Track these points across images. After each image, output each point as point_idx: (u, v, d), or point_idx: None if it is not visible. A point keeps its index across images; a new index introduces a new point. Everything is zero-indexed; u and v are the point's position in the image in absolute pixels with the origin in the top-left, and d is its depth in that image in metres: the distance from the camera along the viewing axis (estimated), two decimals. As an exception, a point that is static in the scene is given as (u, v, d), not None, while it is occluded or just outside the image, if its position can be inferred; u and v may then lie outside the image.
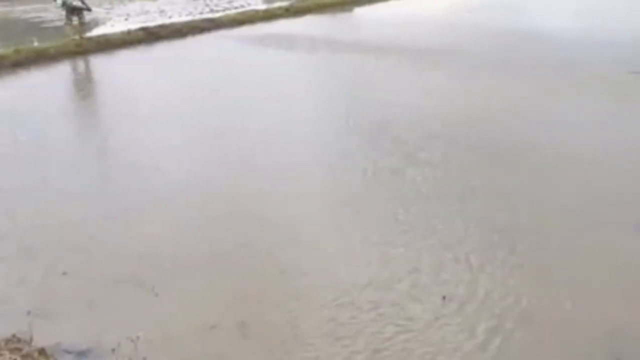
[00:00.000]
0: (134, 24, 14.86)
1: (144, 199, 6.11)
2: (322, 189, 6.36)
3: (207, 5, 19.52)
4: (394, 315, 4.22)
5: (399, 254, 5.00)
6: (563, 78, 10.50)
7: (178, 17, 17.01)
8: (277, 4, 19.67)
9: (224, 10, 18.33)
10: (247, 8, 18.85)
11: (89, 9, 13.74)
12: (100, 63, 12.69)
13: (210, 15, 17.34)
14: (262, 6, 19.52)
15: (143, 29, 14.80)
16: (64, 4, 13.35)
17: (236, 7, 18.97)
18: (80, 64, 12.55)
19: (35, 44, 12.77)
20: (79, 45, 13.19)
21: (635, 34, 14.02)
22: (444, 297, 4.37)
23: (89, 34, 14.21)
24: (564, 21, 16.23)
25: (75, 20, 13.49)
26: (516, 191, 6.16)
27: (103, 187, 6.57)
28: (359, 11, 20.00)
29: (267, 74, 11.28)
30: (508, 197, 6.02)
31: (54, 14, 15.21)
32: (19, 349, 3.80)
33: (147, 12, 15.10)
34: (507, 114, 8.62)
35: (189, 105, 9.26)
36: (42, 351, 3.84)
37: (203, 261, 4.97)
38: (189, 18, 16.82)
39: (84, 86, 11.47)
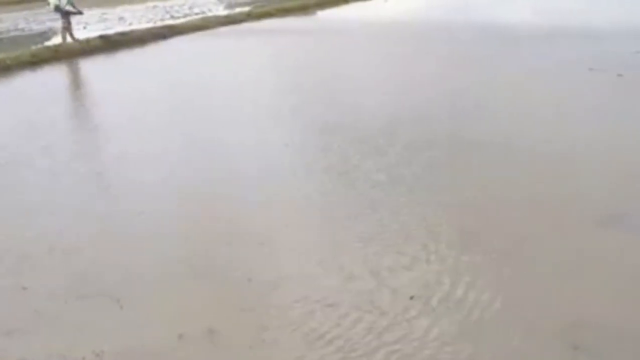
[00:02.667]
0: (92, 32, 14.61)
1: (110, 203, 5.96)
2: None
3: (167, 12, 19.33)
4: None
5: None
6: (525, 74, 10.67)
7: (138, 24, 16.78)
8: (238, 10, 19.60)
9: (184, 17, 18.17)
10: (208, 14, 18.73)
11: (80, 13, 14.09)
12: (57, 73, 12.41)
13: (171, 22, 17.17)
14: (223, 12, 19.42)
15: (102, 37, 14.57)
16: (57, 9, 13.58)
17: (197, 14, 18.83)
18: (38, 74, 12.24)
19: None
20: (35, 56, 12.90)
21: (595, 32, 14.31)
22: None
23: (47, 44, 13.97)
24: (524, 19, 16.51)
25: (62, 24, 13.87)
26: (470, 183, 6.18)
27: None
28: (322, 14, 20.05)
29: (230, 76, 11.18)
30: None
31: (10, 23, 14.87)
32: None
33: (105, 20, 14.87)
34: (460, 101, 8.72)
35: (155, 115, 9.08)
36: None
37: (169, 268, 4.85)
38: (150, 25, 16.61)
39: (41, 98, 11.19)
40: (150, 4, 20.80)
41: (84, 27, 15.84)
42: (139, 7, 19.95)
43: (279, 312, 4.23)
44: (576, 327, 3.96)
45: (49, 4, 13.90)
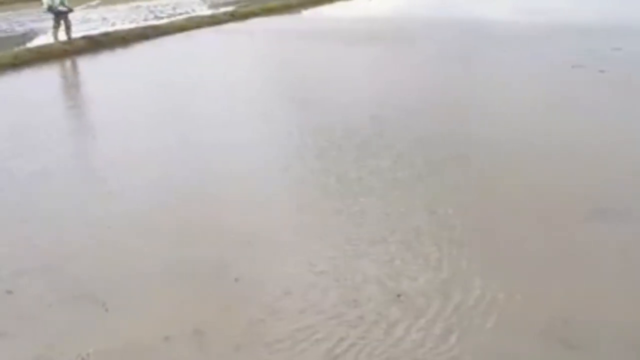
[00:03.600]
0: (75, 33, 14.48)
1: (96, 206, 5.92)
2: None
3: (151, 11, 19.21)
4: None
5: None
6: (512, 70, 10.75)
7: (121, 24, 16.67)
8: (222, 10, 19.52)
9: (168, 17, 18.07)
10: (192, 14, 18.64)
11: (70, 10, 14.07)
12: (40, 75, 12.30)
13: (154, 22, 17.06)
14: (207, 12, 19.35)
15: (85, 37, 14.45)
16: (50, 9, 13.60)
17: (181, 14, 18.73)
18: (21, 76, 12.12)
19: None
20: (17, 58, 12.76)
21: (576, 29, 14.42)
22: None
23: (29, 45, 13.84)
24: (505, 17, 16.61)
25: (62, 24, 13.80)
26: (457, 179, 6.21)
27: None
28: (306, 13, 20.03)
29: (217, 76, 11.15)
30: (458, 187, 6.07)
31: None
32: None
33: (88, 21, 14.75)
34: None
35: (142, 116, 9.02)
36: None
37: (154, 270, 4.83)
38: (133, 25, 16.50)
39: (24, 101, 11.08)
40: (134, 4, 20.65)
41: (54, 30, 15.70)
42: (122, 8, 19.80)
43: (267, 312, 4.23)
44: (564, 322, 4.00)
45: (42, 4, 13.94)
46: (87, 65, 13.21)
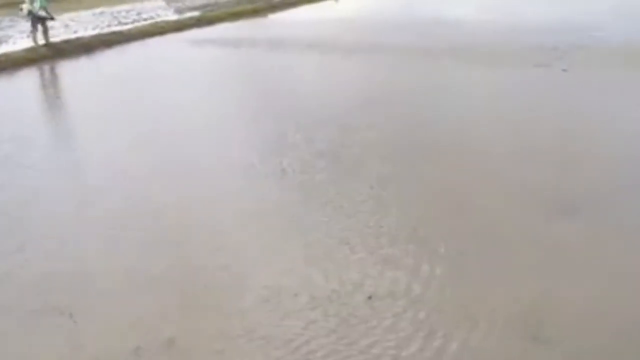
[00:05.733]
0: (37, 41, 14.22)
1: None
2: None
3: (114, 17, 18.95)
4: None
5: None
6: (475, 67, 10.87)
7: (84, 31, 16.40)
8: (188, 14, 19.37)
9: (133, 23, 17.84)
10: (158, 19, 18.45)
11: (52, 18, 14.33)
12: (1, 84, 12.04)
13: (118, 28, 16.83)
14: (172, 17, 19.16)
15: (47, 45, 14.19)
16: (30, 14, 13.75)
17: (145, 19, 18.51)
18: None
19: None
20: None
21: (539, 27, 14.65)
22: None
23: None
24: (469, 16, 16.81)
25: (40, 29, 13.98)
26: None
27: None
28: (273, 17, 20.01)
29: (182, 82, 11.04)
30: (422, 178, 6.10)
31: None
32: None
33: (50, 28, 14.48)
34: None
35: (105, 124, 8.88)
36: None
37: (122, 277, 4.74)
38: (96, 32, 16.26)
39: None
40: (97, 10, 20.35)
41: (27, 36, 15.38)
42: (85, 14, 19.49)
43: (240, 320, 4.18)
44: (533, 319, 4.03)
45: (21, 9, 14.01)
46: (50, 73, 12.97)
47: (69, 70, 13.17)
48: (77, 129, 9.12)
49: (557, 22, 14.93)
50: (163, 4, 22.01)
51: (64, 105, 10.54)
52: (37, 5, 13.69)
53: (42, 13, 13.91)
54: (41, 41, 14.08)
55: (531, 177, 6.25)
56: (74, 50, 14.32)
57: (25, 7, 13.77)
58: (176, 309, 4.33)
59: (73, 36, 15.54)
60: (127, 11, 20.37)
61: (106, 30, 16.61)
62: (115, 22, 17.99)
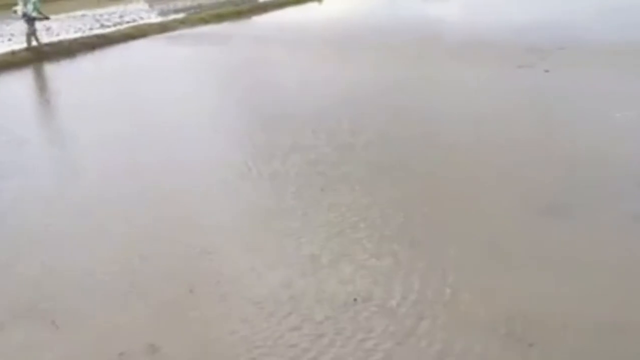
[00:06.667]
0: (19, 44, 14.08)
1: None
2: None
3: (97, 20, 18.80)
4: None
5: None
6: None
7: (66, 34, 16.25)
8: (171, 17, 19.26)
9: (115, 26, 17.70)
10: (140, 22, 18.32)
11: (47, 18, 14.40)
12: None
13: (101, 31, 16.70)
14: (156, 19, 19.05)
15: (29, 49, 14.04)
16: (24, 15, 13.79)
17: (128, 22, 18.37)
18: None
19: None
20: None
21: (522, 28, 14.75)
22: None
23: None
24: (452, 16, 16.89)
25: (33, 30, 14.04)
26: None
27: None
28: (257, 19, 19.96)
29: (166, 85, 10.98)
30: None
31: None
32: None
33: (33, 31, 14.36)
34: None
35: (92, 130, 8.79)
36: None
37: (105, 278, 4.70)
38: (78, 35, 16.12)
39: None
40: (79, 13, 20.18)
41: (9, 39, 15.22)
42: (66, 17, 19.30)
43: (222, 323, 4.16)
44: (518, 318, 4.05)
45: (15, 12, 14.02)
46: (32, 77, 12.84)
47: (51, 73, 13.05)
48: (63, 132, 9.03)
49: (539, 23, 15.05)
50: (146, 6, 21.88)
51: (48, 108, 10.42)
52: (30, 6, 13.72)
53: (35, 14, 13.91)
54: (33, 42, 14.10)
55: (511, 174, 6.30)
56: (56, 53, 14.18)
57: (19, 8, 13.81)
58: (160, 315, 4.30)
59: (55, 39, 15.39)
60: (110, 14, 20.21)
61: (88, 33, 16.47)
62: (98, 25, 17.84)
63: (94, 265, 4.96)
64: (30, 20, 13.90)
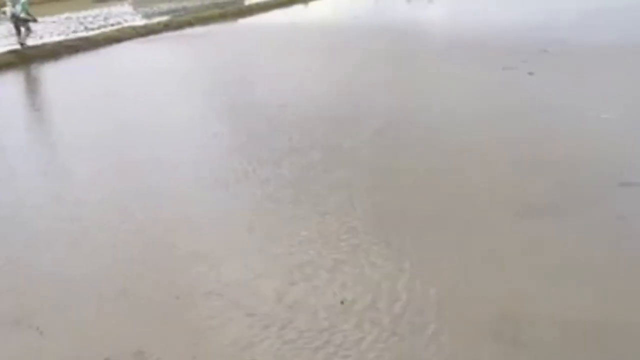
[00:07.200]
0: (3, 47, 13.98)
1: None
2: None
3: (81, 23, 18.69)
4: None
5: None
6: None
7: (50, 37, 16.14)
8: (156, 20, 19.20)
9: (99, 28, 17.61)
10: (125, 25, 18.23)
11: (35, 20, 14.63)
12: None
13: (84, 34, 16.60)
14: (140, 22, 18.97)
15: (12, 52, 13.94)
16: (13, 16, 14.01)
17: (112, 25, 18.28)
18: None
19: None
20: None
21: (506, 30, 14.86)
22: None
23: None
24: (436, 19, 16.98)
25: (22, 31, 14.28)
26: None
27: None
28: (242, 22, 19.95)
29: (148, 90, 10.93)
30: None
31: None
32: None
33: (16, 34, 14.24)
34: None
35: (77, 136, 8.73)
36: None
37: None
38: (62, 38, 16.01)
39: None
40: (63, 16, 20.04)
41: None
42: (50, 19, 19.16)
43: (209, 329, 4.14)
44: (505, 319, 4.07)
45: (4, 13, 14.37)
46: (16, 80, 12.72)
47: (35, 76, 12.94)
48: (45, 135, 8.96)
49: (522, 25, 15.16)
50: (130, 9, 21.78)
51: (30, 111, 10.33)
52: (19, 7, 13.83)
53: (24, 15, 14.04)
54: (23, 43, 14.23)
55: (494, 176, 6.34)
56: (40, 56, 14.08)
57: (9, 10, 13.97)
58: (146, 320, 4.27)
59: (39, 42, 15.28)
60: (94, 17, 20.11)
61: (72, 36, 16.37)
62: (82, 28, 17.74)
63: (79, 269, 4.92)
64: (19, 21, 14.03)
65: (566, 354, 3.76)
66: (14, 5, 13.87)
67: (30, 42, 14.69)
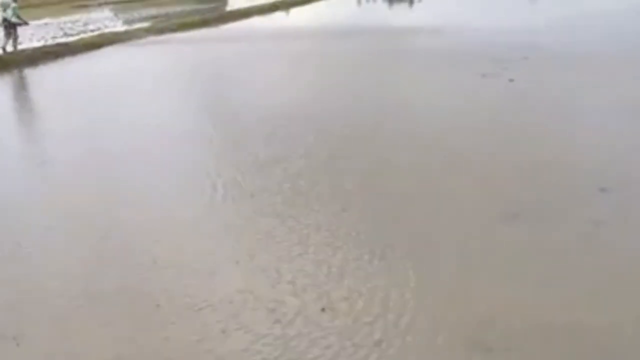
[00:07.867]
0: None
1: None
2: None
3: (60, 28, 18.52)
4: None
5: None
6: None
7: (29, 42, 15.96)
8: (137, 25, 19.09)
9: (79, 34, 17.46)
10: (105, 30, 18.11)
11: (26, 23, 14.77)
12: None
13: (64, 40, 16.45)
14: (120, 28, 18.85)
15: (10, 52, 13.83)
16: (4, 21, 14.14)
17: (92, 30, 18.14)
18: None
19: None
20: None
21: (487, 37, 15.00)
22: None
23: None
24: (416, 25, 17.09)
25: (11, 35, 14.40)
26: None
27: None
28: (224, 27, 19.92)
29: (131, 95, 10.84)
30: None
31: None
32: None
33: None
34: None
35: (55, 143, 8.63)
36: None
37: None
38: (41, 43, 15.85)
39: None
40: (42, 22, 19.84)
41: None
42: (30, 25, 18.97)
43: (190, 338, 4.09)
44: (484, 325, 4.07)
45: None
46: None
47: (13, 83, 12.79)
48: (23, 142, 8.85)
49: (503, 32, 15.32)
50: (111, 15, 21.65)
51: (7, 118, 10.19)
52: (9, 12, 13.96)
53: (15, 19, 14.14)
54: (10, 48, 14.27)
55: (473, 182, 6.36)
56: (18, 62, 13.92)
57: (0, 14, 14.06)
58: (126, 330, 4.21)
59: (18, 48, 15.10)
60: (73, 22, 19.95)
61: (51, 42, 16.21)
62: (61, 34, 17.58)
63: (54, 277, 4.85)
64: (10, 25, 14.11)
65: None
66: (4, 10, 14.00)
67: (9, 48, 14.53)
